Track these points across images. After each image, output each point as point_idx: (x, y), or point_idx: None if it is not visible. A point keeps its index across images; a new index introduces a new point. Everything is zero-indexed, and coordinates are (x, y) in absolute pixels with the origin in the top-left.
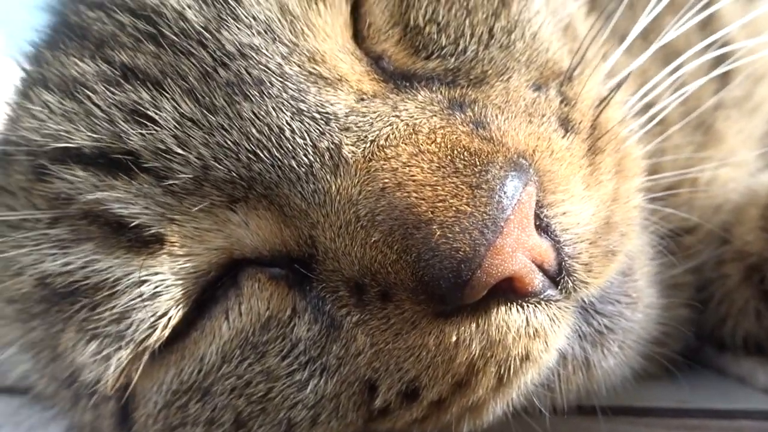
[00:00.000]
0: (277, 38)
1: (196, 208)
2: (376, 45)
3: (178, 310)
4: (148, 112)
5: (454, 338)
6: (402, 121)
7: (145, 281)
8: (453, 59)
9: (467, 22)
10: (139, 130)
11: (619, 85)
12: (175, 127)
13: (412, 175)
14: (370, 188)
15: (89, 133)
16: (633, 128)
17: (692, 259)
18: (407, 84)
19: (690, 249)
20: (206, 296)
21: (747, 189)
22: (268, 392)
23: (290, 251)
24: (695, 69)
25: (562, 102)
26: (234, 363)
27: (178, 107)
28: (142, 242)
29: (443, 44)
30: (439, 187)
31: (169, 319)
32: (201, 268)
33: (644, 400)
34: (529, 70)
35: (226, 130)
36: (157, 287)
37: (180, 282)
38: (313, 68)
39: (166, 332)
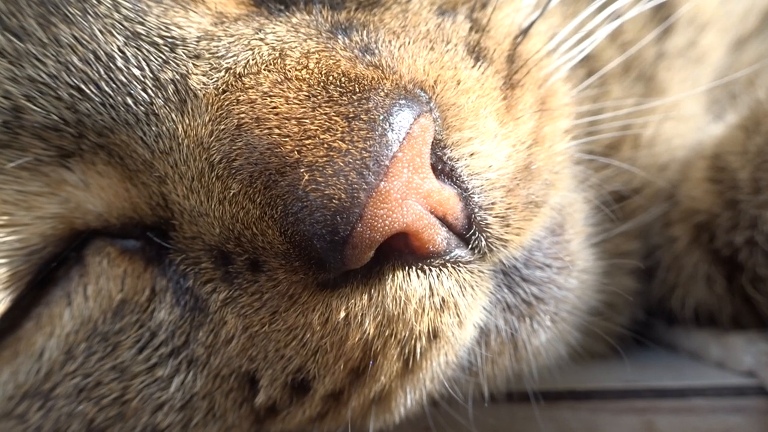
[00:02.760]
0: None
1: (13, 164)
2: None
3: (7, 294)
4: None
5: (342, 314)
6: (267, 45)
7: None
8: None
9: None
10: None
11: (540, 13)
12: None
13: (274, 107)
14: (223, 127)
15: None
16: (560, 64)
17: (636, 221)
18: (282, 8)
19: (634, 211)
20: (44, 278)
21: (695, 143)
22: (123, 393)
23: (143, 217)
24: (629, 4)
25: (472, 29)
26: (80, 359)
27: None
28: None
29: None
30: (307, 121)
31: None
32: (31, 243)
33: (586, 382)
34: None
35: (39, 60)
36: None
37: (4, 260)
38: None
39: None
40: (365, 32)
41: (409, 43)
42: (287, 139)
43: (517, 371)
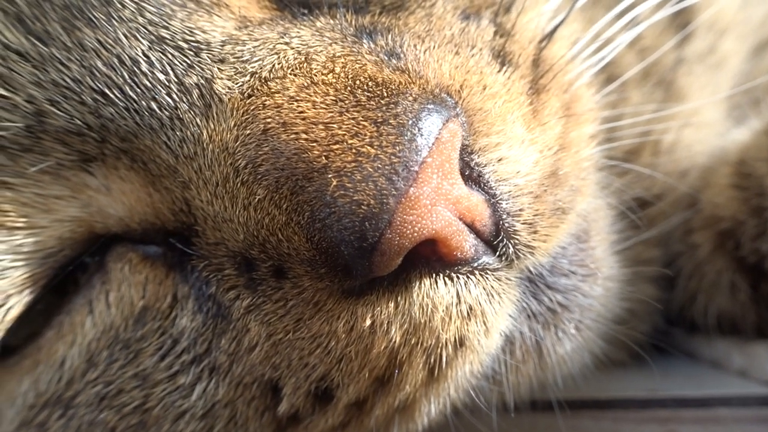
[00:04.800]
0: None
1: (35, 168)
2: None
3: (22, 298)
4: None
5: (368, 322)
6: (292, 49)
7: None
8: None
9: None
10: None
11: (564, 17)
12: None
13: (301, 112)
14: (249, 132)
15: None
16: (583, 69)
17: (658, 228)
18: (305, 11)
19: (656, 218)
20: (61, 282)
21: (716, 149)
22: (145, 401)
23: (165, 222)
24: (648, 12)
25: (496, 33)
26: (101, 367)
27: (0, 37)
28: None
29: None
30: (334, 125)
31: (8, 309)
32: (48, 245)
33: (608, 391)
34: None
35: (63, 64)
36: None
37: (21, 263)
38: None
39: (4, 326)
40: (390, 36)
41: (434, 47)
42: (314, 144)
43: (541, 380)
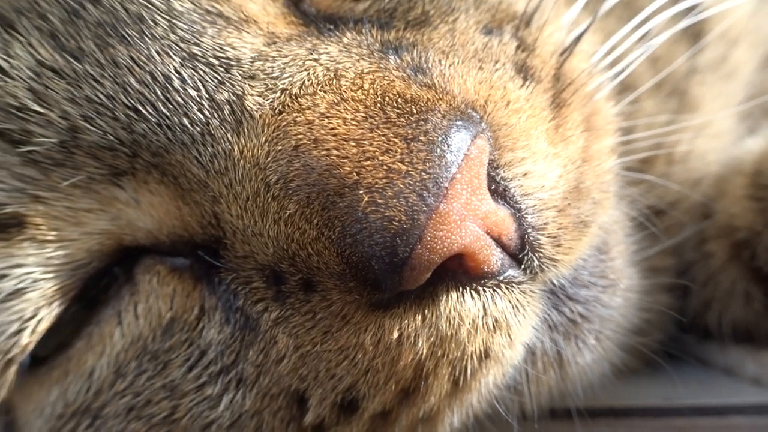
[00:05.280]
0: None
1: (67, 183)
2: None
3: (52, 309)
4: None
5: (395, 335)
6: (321, 65)
7: (3, 275)
8: None
9: None
10: None
11: (584, 31)
12: (32, 78)
13: (332, 129)
14: (280, 148)
15: None
16: (602, 82)
17: (673, 237)
18: (331, 27)
19: (670, 227)
20: (92, 294)
21: (730, 158)
22: (173, 412)
23: (193, 235)
24: (661, 26)
25: (518, 47)
26: (130, 377)
27: (35, 53)
28: None
29: None
30: (365, 142)
31: (39, 321)
32: (78, 258)
33: (623, 399)
34: (479, 12)
35: (97, 81)
36: (19, 283)
37: (51, 275)
38: (212, 6)
39: (35, 337)
40: (415, 52)
41: (458, 62)
42: (346, 161)
43: (561, 389)
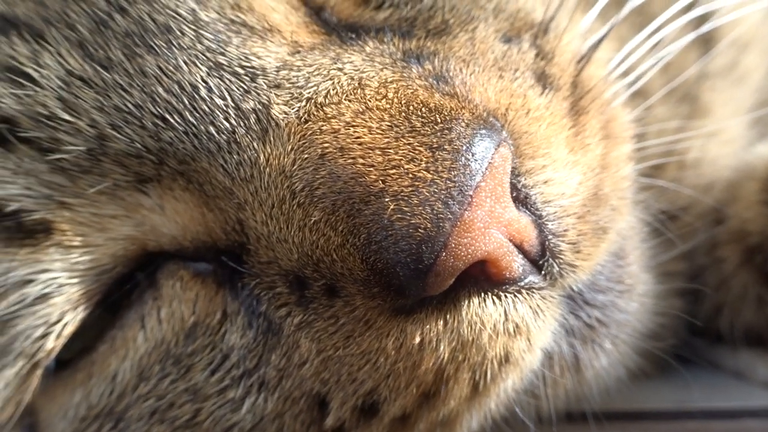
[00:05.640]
0: None
1: (93, 190)
2: None
3: (77, 314)
4: (26, 69)
5: (417, 339)
6: (345, 74)
7: (30, 281)
8: (408, 8)
9: None
10: (15, 91)
11: (601, 39)
12: (61, 88)
13: (358, 137)
14: (306, 156)
15: None
16: (618, 90)
17: (687, 241)
18: (353, 36)
19: (684, 230)
20: (116, 298)
21: (742, 163)
22: (195, 415)
23: (217, 241)
24: (674, 34)
25: (537, 56)
26: (153, 381)
27: (64, 63)
28: (24, 232)
29: None
30: (391, 151)
31: (64, 325)
32: (102, 263)
33: (636, 402)
34: (498, 20)
35: (125, 90)
36: (45, 288)
37: (76, 280)
38: (237, 16)
39: (60, 342)
40: (436, 60)
41: (479, 71)
42: (372, 169)
43: (578, 393)
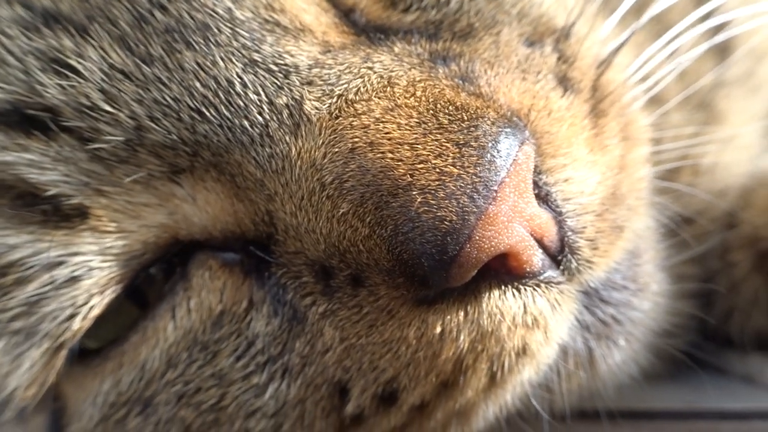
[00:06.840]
0: None
1: (130, 179)
2: None
3: (104, 297)
4: (70, 62)
5: (438, 329)
6: (375, 73)
7: (60, 263)
8: (434, 11)
9: None
10: (59, 82)
11: (621, 44)
12: (103, 80)
13: (387, 133)
14: (337, 149)
15: None
16: (636, 94)
17: (700, 244)
18: (382, 36)
19: (697, 233)
20: (139, 283)
21: (755, 170)
22: (221, 399)
23: (245, 231)
24: (691, 42)
25: (559, 59)
26: (181, 367)
27: (106, 57)
28: (60, 216)
29: None
30: (419, 146)
31: (91, 308)
32: (134, 249)
33: (646, 402)
34: (521, 24)
35: (164, 84)
36: (75, 270)
37: (107, 264)
38: (270, 16)
39: (86, 324)
40: (462, 62)
41: (503, 72)
42: (400, 163)
43: (591, 389)
